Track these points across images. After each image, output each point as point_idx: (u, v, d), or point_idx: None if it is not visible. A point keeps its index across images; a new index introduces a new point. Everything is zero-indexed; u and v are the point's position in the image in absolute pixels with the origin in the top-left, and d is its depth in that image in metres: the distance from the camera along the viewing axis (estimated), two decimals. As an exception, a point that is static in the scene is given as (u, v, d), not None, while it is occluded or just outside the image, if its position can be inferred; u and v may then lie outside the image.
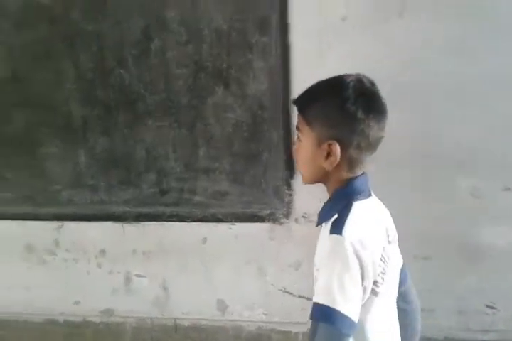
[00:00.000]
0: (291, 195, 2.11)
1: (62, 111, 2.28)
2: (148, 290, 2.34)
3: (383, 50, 1.91)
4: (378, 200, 1.08)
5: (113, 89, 2.22)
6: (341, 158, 0.96)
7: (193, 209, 2.21)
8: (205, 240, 2.23)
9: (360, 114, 0.93)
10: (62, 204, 2.36)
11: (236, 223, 2.16)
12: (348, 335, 0.89)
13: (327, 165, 0.97)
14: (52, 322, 2.42)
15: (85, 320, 2.39)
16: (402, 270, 1.15)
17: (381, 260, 0.96)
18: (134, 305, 2.36)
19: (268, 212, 2.15)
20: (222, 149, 2.14)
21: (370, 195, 1.04)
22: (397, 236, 1.11)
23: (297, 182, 2.07)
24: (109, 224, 2.33)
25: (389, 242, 1.03)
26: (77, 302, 2.40)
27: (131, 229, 2.32)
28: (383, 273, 0.96)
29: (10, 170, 2.36)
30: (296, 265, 2.18)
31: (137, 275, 2.35)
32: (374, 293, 0.95)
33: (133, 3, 2.10)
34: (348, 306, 0.88)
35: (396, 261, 1.09)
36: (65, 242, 2.40)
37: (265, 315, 2.27)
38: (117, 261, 2.35)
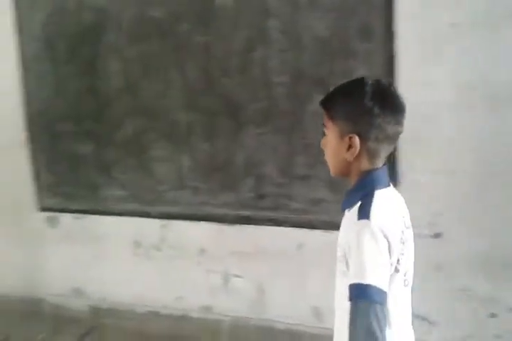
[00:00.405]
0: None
1: (169, 117, 2.45)
2: (246, 291, 2.42)
3: (495, 56, 1.80)
4: (395, 190, 1.16)
5: (217, 98, 2.34)
6: (361, 150, 1.06)
7: (290, 215, 2.25)
8: (300, 246, 2.25)
9: (376, 110, 1.03)
10: (168, 204, 2.53)
11: (332, 231, 2.15)
12: (382, 304, 0.96)
13: (349, 156, 1.07)
14: (155, 314, 2.60)
15: (185, 314, 2.54)
16: None
17: (400, 241, 1.05)
18: (232, 305, 2.45)
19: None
20: (320, 156, 2.13)
21: (388, 184, 1.12)
22: (410, 224, 1.17)
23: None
24: (209, 224, 2.44)
25: (406, 227, 1.11)
26: (178, 298, 2.55)
27: (230, 230, 2.41)
28: (402, 254, 1.05)
29: (122, 171, 2.58)
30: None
31: (235, 276, 2.44)
32: (396, 270, 1.04)
33: (237, 15, 2.19)
34: (379, 279, 0.97)
35: (411, 245, 1.15)
36: (169, 240, 2.56)
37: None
38: (216, 260, 2.46)
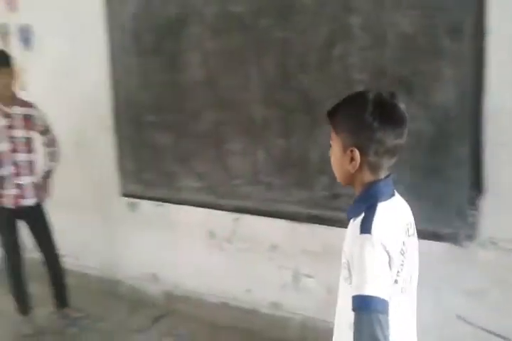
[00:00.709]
0: (475, 215, 1.89)
1: (246, 111, 2.43)
2: (315, 291, 2.38)
3: None
4: (400, 198, 1.19)
5: (294, 93, 2.28)
6: (363, 163, 1.10)
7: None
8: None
9: (376, 124, 1.06)
10: (241, 198, 2.54)
11: (422, 239, 2.01)
12: (384, 313, 1.00)
13: (351, 168, 1.11)
14: (225, 305, 2.66)
15: (254, 308, 2.56)
16: None
17: (400, 253, 1.08)
18: (301, 303, 2.43)
19: (448, 231, 1.96)
20: (399, 161, 2.00)
21: (393, 195, 1.15)
22: (414, 229, 1.19)
23: (486, 202, 1.85)
24: (281, 221, 2.42)
25: (408, 236, 1.14)
26: (248, 291, 2.58)
27: (301, 228, 2.37)
28: (402, 265, 1.08)
29: (200, 163, 2.62)
30: (477, 292, 1.95)
31: (305, 275, 2.40)
32: (395, 281, 1.07)
33: (318, 11, 2.09)
34: (379, 289, 1.01)
35: (415, 252, 1.18)
36: (241, 233, 2.58)
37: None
38: (287, 257, 2.44)
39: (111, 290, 2.99)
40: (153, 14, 2.60)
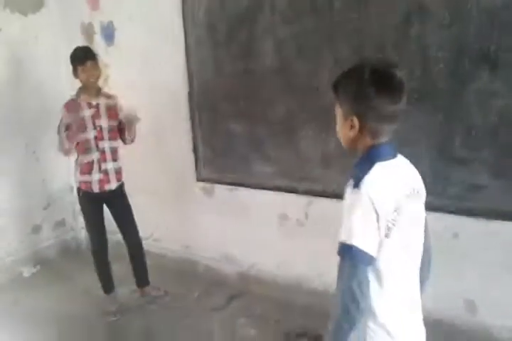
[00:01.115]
0: None
1: (319, 98, 2.46)
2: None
3: None
4: (406, 162, 1.27)
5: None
6: (363, 129, 1.19)
7: (446, 201, 2.13)
8: (456, 235, 2.13)
9: (372, 94, 1.14)
10: (314, 182, 2.59)
11: (495, 220, 1.99)
12: (365, 264, 1.13)
13: (352, 134, 1.22)
14: (298, 287, 2.72)
15: (328, 292, 2.59)
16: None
17: (395, 210, 1.15)
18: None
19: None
20: (483, 139, 1.97)
21: (395, 156, 1.23)
22: (422, 193, 1.27)
23: None
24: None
25: (407, 196, 1.19)
26: (320, 274, 2.63)
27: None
28: (394, 220, 1.15)
29: (273, 149, 2.70)
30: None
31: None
32: (386, 235, 1.15)
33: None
34: (364, 241, 1.11)
35: (415, 213, 1.24)
36: (313, 216, 2.64)
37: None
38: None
39: (188, 271, 3.13)
40: (226, 6, 2.69)
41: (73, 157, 2.80)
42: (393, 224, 1.15)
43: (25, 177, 3.49)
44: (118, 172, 2.78)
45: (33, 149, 3.53)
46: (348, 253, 1.13)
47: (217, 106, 2.87)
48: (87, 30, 3.35)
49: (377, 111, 1.16)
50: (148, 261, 2.97)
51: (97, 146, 2.67)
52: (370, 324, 1.21)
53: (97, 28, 3.29)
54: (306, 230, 2.66)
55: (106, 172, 2.72)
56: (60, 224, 3.76)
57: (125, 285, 3.03)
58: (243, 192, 2.88)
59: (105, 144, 2.70)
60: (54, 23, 3.53)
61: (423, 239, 1.30)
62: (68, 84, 3.51)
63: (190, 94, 2.96)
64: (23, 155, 3.48)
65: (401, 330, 1.23)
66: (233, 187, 2.91)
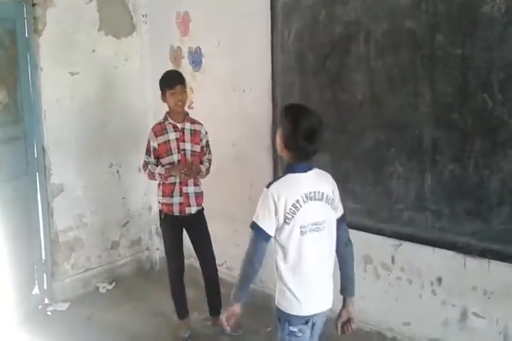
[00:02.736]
0: None
1: (414, 133, 2.30)
2: (486, 333, 2.15)
3: None
4: (318, 174, 1.76)
5: (472, 114, 2.10)
6: (287, 152, 1.71)
7: None
8: None
9: (295, 137, 1.65)
10: (403, 224, 2.40)
11: None
12: (263, 239, 1.66)
13: (277, 146, 1.76)
14: (379, 335, 2.53)
15: (412, 342, 2.41)
16: (338, 222, 1.79)
17: (293, 205, 1.64)
18: (467, 344, 2.22)
19: None
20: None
21: (307, 170, 1.70)
22: (330, 198, 1.73)
23: None
24: (449, 253, 2.23)
25: (309, 198, 1.66)
26: (406, 323, 2.42)
27: (473, 263, 2.17)
28: (293, 213, 1.63)
29: (358, 185, 2.54)
30: None
31: (474, 314, 2.18)
32: (286, 223, 1.64)
33: (507, 25, 1.90)
34: (264, 223, 1.65)
35: (316, 208, 1.69)
36: (400, 261, 2.44)
37: None
38: (454, 293, 2.24)
39: (262, 304, 3.03)
40: (317, 34, 2.59)
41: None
42: (292, 215, 1.65)
43: (107, 194, 3.59)
44: (199, 196, 2.76)
45: (117, 168, 3.62)
46: (253, 228, 1.68)
47: (302, 136, 2.76)
48: (176, 55, 3.38)
49: (293, 142, 1.67)
50: (223, 290, 2.89)
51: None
52: (280, 285, 1.73)
53: (185, 53, 3.32)
54: (392, 275, 2.47)
55: (187, 196, 2.70)
56: (137, 242, 3.82)
57: (199, 311, 3.00)
58: (323, 228, 2.73)
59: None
60: (143, 47, 3.63)
61: (332, 228, 1.76)
62: (153, 107, 3.61)
63: (274, 123, 2.88)
64: (107, 174, 3.58)
65: (306, 295, 1.70)
66: (313, 222, 2.77)
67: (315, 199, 1.68)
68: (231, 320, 1.74)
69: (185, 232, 2.84)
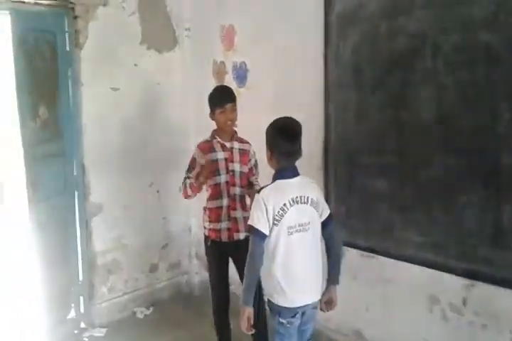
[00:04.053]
0: None
1: (491, 158, 2.01)
2: None
3: None
4: (304, 181, 1.99)
5: None
6: (272, 159, 1.97)
7: None
8: None
9: (275, 138, 1.93)
10: (477, 261, 2.10)
11: None
12: (260, 239, 1.89)
13: (268, 161, 2.01)
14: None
15: None
16: (326, 222, 2.02)
17: (281, 209, 1.88)
18: None
19: None
20: None
21: (293, 177, 1.95)
22: (314, 202, 1.95)
23: None
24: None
25: (295, 202, 1.90)
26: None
27: None
28: (281, 216, 1.88)
29: (424, 215, 2.26)
30: None
31: None
32: (275, 224, 1.88)
33: None
34: (259, 224, 1.88)
35: (303, 211, 1.92)
36: (474, 304, 2.13)
37: None
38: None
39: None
40: (377, 47, 2.35)
41: (196, 200, 2.65)
42: (280, 218, 1.86)
43: (147, 214, 3.45)
44: (247, 221, 2.53)
45: (157, 188, 3.47)
46: (251, 230, 1.89)
47: (357, 158, 2.51)
48: (219, 70, 3.22)
49: (279, 149, 1.93)
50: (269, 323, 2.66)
51: (228, 192, 2.47)
52: (271, 281, 1.93)
53: (228, 68, 3.14)
54: (463, 320, 2.16)
55: (235, 221, 2.50)
56: (176, 266, 3.65)
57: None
58: (381, 262, 2.45)
59: (236, 191, 2.49)
60: (186, 62, 3.50)
61: (316, 228, 1.96)
62: (195, 124, 3.45)
63: (326, 143, 2.64)
64: (147, 193, 3.44)
65: (294, 289, 1.91)
66: (369, 253, 2.50)
67: (301, 203, 1.90)
68: (249, 322, 1.94)
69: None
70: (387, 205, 2.40)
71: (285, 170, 1.94)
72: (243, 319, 1.93)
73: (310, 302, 1.98)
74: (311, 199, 1.94)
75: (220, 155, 2.48)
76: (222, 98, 2.44)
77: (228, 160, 2.48)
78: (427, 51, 2.15)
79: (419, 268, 2.29)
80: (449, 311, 2.21)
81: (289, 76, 2.78)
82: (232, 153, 2.49)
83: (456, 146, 2.12)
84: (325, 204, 2.03)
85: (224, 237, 2.50)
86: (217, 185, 2.47)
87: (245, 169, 2.53)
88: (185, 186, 2.50)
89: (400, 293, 2.40)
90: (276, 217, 1.87)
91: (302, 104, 2.71)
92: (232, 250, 2.54)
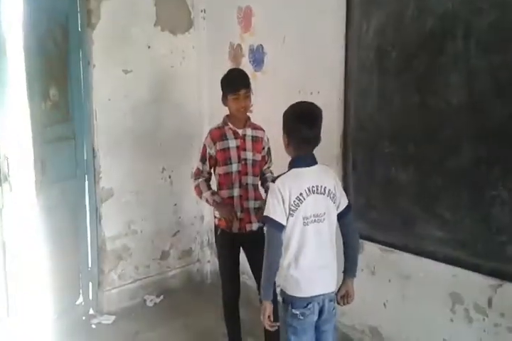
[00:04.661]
0: None
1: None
2: None
3: None
4: (322, 169, 1.89)
5: None
6: (290, 145, 1.86)
7: None
8: None
9: (294, 123, 1.83)
10: (505, 260, 1.95)
11: None
12: (277, 230, 1.79)
13: (285, 148, 1.89)
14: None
15: None
16: (344, 212, 1.91)
17: (297, 198, 1.78)
18: None
19: None
20: None
21: (310, 165, 1.84)
22: (332, 193, 1.85)
23: None
24: None
25: (312, 192, 1.80)
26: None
27: None
28: (297, 205, 1.78)
29: (450, 209, 2.12)
30: None
31: None
32: (291, 215, 1.79)
33: None
34: (275, 214, 1.78)
35: (318, 204, 1.82)
36: (500, 305, 1.99)
37: None
38: None
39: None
40: (403, 28, 2.18)
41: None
42: (296, 207, 1.78)
43: (158, 200, 3.37)
44: (260, 212, 2.41)
45: (169, 173, 3.38)
46: (267, 222, 1.80)
47: (379, 146, 2.36)
48: (235, 53, 3.08)
49: (296, 134, 1.82)
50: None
51: (239, 181, 2.36)
52: (283, 271, 1.85)
53: (245, 51, 3.00)
54: (488, 321, 2.02)
55: (248, 211, 2.38)
56: (187, 253, 3.57)
57: (253, 337, 2.69)
58: (402, 257, 2.32)
59: (248, 180, 2.38)
60: (201, 44, 3.37)
61: (332, 220, 1.87)
62: (209, 109, 3.34)
63: (345, 129, 2.50)
64: (159, 179, 3.35)
65: (307, 278, 1.83)
66: (388, 248, 2.37)
67: (317, 193, 1.82)
68: (269, 317, 1.85)
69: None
70: (410, 197, 2.26)
71: (303, 157, 1.84)
72: (265, 315, 1.85)
73: (324, 293, 1.87)
74: (329, 189, 1.84)
75: (232, 143, 2.35)
76: (235, 83, 2.29)
77: (240, 148, 2.36)
78: (457, 33, 1.98)
79: (442, 265, 2.16)
80: (473, 311, 2.08)
81: (308, 59, 2.63)
82: (244, 140, 2.37)
83: (487, 135, 1.97)
84: (343, 194, 1.92)
85: (235, 228, 2.39)
86: (228, 174, 2.36)
87: (258, 157, 2.41)
88: (199, 190, 2.43)
89: (420, 290, 2.28)
90: (292, 207, 1.78)
91: (321, 89, 2.57)
92: (244, 241, 2.44)
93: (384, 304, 2.45)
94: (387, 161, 2.33)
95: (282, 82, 2.78)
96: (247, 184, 2.38)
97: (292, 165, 1.85)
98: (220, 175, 2.39)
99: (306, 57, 2.63)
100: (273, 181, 1.83)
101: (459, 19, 1.98)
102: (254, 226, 2.41)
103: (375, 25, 2.29)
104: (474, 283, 2.06)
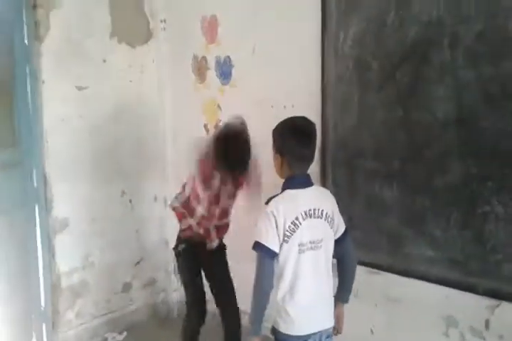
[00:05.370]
0: None
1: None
2: None
3: None
4: (319, 191, 1.78)
5: None
6: (284, 165, 1.69)
7: None
8: None
9: (288, 140, 1.66)
10: (502, 279, 1.87)
11: None
12: (269, 258, 1.62)
13: (277, 168, 1.72)
14: None
15: None
16: (342, 238, 1.77)
17: (292, 223, 1.62)
18: None
19: None
20: None
21: (306, 186, 1.69)
22: (329, 217, 1.70)
23: None
24: None
25: (309, 216, 1.65)
26: None
27: None
28: (293, 231, 1.62)
29: (439, 227, 2.02)
30: None
31: None
32: (285, 241, 1.62)
33: None
34: (267, 240, 1.61)
35: (316, 225, 1.66)
36: (498, 326, 1.90)
37: None
38: None
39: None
40: (383, 38, 2.10)
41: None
42: (291, 233, 1.62)
43: (118, 227, 3.08)
44: (221, 228, 2.34)
45: (129, 197, 3.12)
46: (258, 248, 1.63)
47: (360, 163, 2.24)
48: (200, 66, 2.90)
49: (291, 153, 1.67)
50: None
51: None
52: (275, 304, 1.69)
53: (211, 64, 2.83)
54: (484, 344, 1.93)
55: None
56: (151, 283, 3.28)
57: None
58: (388, 278, 2.20)
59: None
60: (162, 57, 3.15)
61: (328, 246, 1.71)
62: (171, 128, 3.14)
63: (323, 145, 2.36)
64: (118, 204, 3.08)
65: (303, 314, 1.67)
66: (375, 270, 2.24)
67: (314, 217, 1.67)
68: None
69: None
70: (396, 216, 2.15)
71: (297, 178, 1.69)
72: None
73: (322, 330, 1.71)
74: (326, 213, 1.70)
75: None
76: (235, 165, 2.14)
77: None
78: (443, 42, 1.91)
79: (433, 286, 2.05)
80: (469, 335, 1.97)
81: (280, 71, 2.49)
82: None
83: (478, 150, 1.89)
84: (340, 218, 1.79)
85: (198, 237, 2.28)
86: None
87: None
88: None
89: (409, 314, 2.15)
90: (287, 233, 1.62)
91: (296, 103, 2.44)
92: (205, 255, 2.31)
93: (371, 330, 2.32)
94: (370, 179, 2.21)
95: (253, 95, 2.62)
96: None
97: (287, 186, 1.69)
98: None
99: (278, 69, 2.50)
100: (266, 203, 1.67)
101: (444, 27, 1.91)
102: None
103: (353, 33, 2.19)
104: (469, 305, 1.96)
